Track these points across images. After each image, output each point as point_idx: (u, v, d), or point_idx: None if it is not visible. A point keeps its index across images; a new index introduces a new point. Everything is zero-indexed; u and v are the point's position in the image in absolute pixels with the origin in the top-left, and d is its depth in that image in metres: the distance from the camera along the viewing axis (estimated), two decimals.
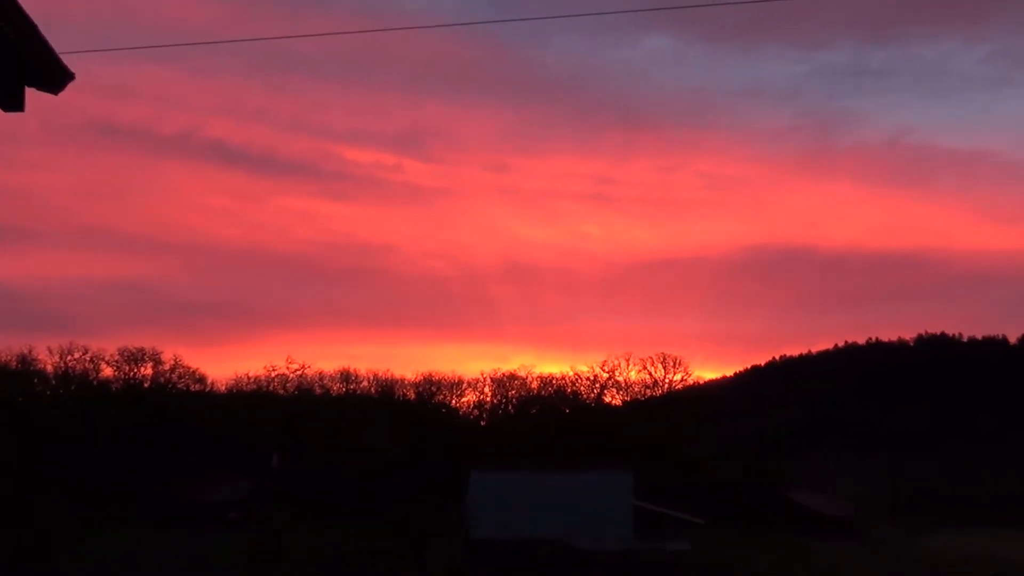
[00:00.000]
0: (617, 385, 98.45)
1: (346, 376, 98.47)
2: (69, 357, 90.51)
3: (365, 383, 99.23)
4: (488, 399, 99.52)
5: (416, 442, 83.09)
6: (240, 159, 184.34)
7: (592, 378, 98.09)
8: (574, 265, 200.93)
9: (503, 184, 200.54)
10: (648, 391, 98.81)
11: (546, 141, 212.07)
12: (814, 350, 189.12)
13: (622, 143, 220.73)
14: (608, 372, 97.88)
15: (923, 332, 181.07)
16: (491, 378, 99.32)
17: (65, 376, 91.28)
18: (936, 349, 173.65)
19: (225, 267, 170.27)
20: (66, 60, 9.06)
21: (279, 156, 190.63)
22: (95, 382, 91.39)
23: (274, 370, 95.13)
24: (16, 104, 9.02)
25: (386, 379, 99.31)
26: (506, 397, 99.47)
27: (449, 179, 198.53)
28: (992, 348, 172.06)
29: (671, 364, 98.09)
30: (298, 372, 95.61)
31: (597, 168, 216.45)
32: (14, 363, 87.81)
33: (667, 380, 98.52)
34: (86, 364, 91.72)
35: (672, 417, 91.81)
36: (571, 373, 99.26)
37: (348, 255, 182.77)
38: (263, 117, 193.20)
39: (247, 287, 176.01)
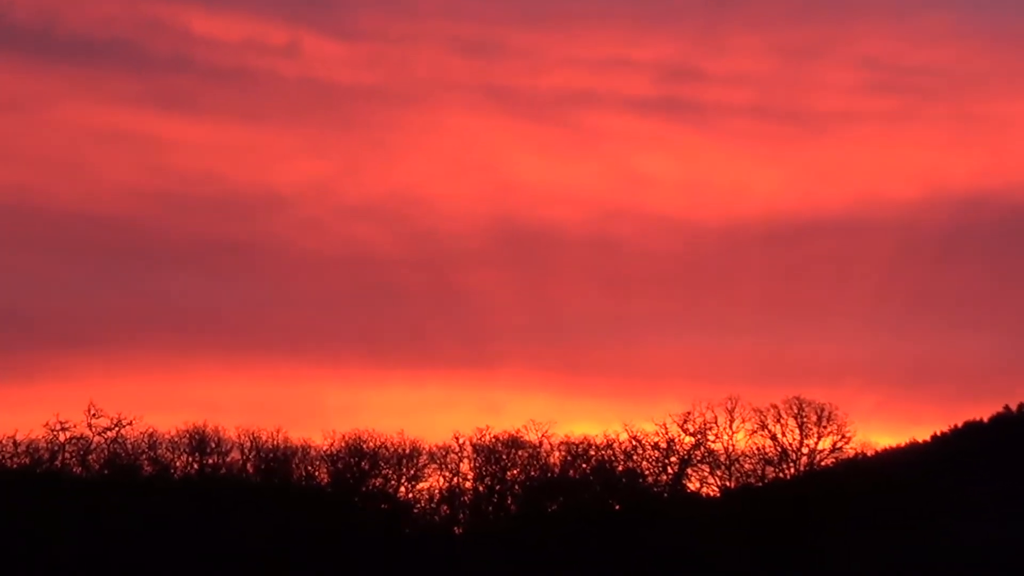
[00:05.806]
0: (712, 459, 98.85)
1: (199, 440, 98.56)
2: None
3: (235, 454, 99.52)
4: (468, 484, 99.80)
5: (330, 563, 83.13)
6: None
7: (664, 446, 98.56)
8: (626, 234, 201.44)
9: (490, 80, 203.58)
10: (771, 470, 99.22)
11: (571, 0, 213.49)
12: None
13: (714, 6, 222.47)
14: (694, 435, 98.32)
15: None
16: (473, 444, 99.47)
17: None
18: None
19: None
20: None
21: (66, 27, 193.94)
22: None
23: (64, 429, 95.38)
24: None
25: (274, 447, 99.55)
26: (502, 480, 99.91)
27: (388, 71, 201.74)
28: None
29: (814, 420, 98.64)
30: (110, 433, 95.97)
31: (667, 50, 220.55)
32: None
33: (807, 449, 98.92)
34: None
35: (816, 516, 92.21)
36: (623, 437, 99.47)
37: (202, 214, 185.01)
38: None
39: (10, 278, 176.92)
